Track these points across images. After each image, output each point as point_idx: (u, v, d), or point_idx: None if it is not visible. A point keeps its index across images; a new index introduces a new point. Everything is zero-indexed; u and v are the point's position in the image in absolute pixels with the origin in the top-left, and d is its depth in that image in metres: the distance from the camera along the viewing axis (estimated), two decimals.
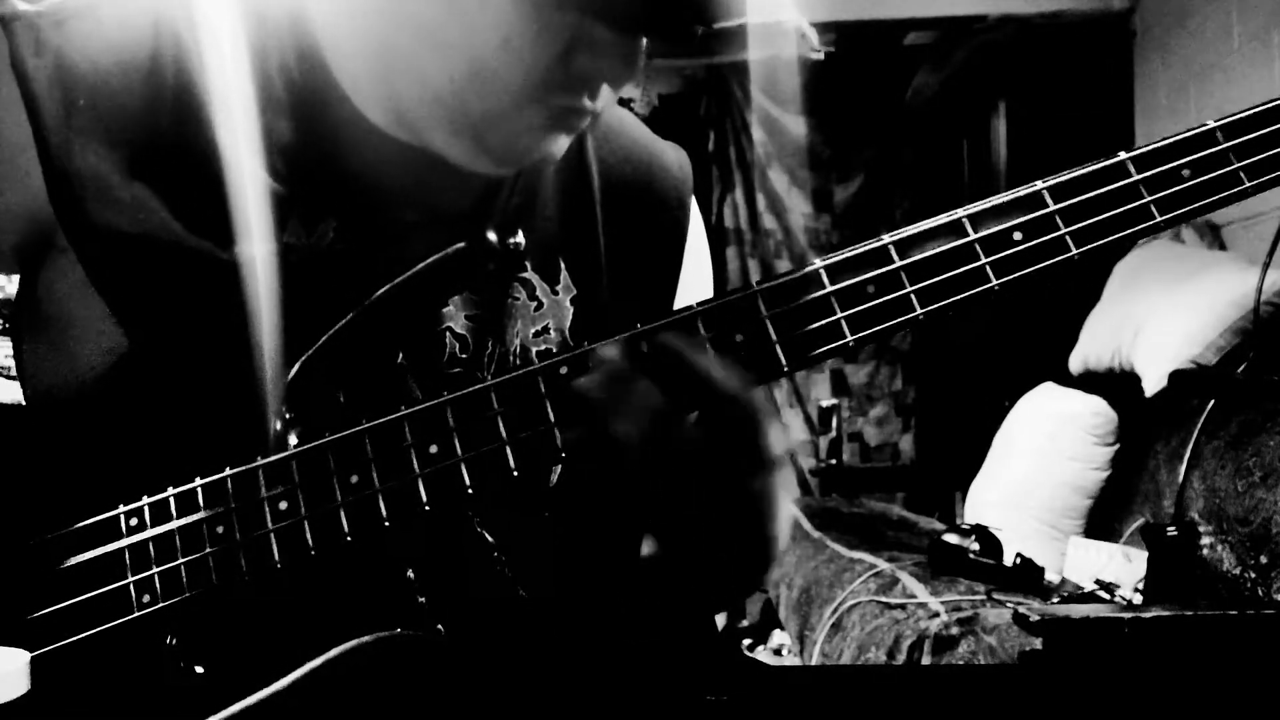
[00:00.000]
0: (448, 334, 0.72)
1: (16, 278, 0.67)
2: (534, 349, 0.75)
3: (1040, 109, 3.48)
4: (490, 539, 0.72)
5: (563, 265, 0.77)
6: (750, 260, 4.52)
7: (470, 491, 0.60)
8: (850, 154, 4.50)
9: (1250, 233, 2.67)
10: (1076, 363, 2.80)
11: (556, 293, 0.76)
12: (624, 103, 4.44)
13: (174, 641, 0.61)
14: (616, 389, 0.58)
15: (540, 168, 0.77)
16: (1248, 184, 0.59)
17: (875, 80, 4.34)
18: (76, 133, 0.65)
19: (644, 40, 0.62)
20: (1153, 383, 2.34)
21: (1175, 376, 2.06)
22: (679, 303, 0.83)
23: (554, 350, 0.75)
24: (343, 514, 0.60)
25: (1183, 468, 2.07)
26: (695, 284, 0.85)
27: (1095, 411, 2.52)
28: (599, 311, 0.77)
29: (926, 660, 1.72)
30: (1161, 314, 2.39)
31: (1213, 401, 2.09)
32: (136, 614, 0.61)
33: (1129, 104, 3.37)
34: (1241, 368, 2.12)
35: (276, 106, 0.69)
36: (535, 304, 0.75)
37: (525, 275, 0.75)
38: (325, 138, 0.70)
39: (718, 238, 4.50)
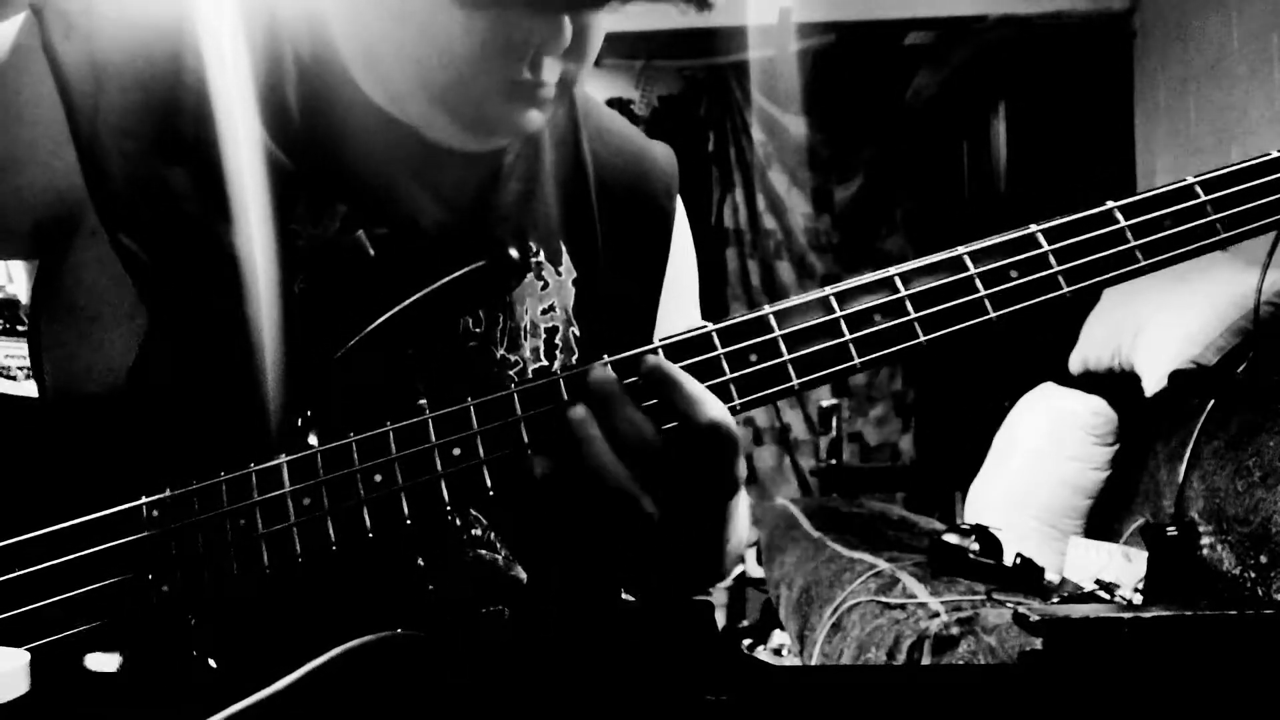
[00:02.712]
0: None
1: (20, 269, 0.67)
2: (542, 325, 0.79)
3: (1040, 109, 3.48)
4: (484, 521, 0.74)
5: (564, 249, 0.81)
6: (750, 261, 4.52)
7: (491, 493, 0.62)
8: (850, 154, 4.50)
9: None
10: (1076, 363, 2.80)
11: (560, 274, 0.80)
12: (624, 104, 4.45)
13: (194, 622, 0.61)
14: (606, 417, 0.60)
15: (538, 151, 0.81)
16: (1224, 234, 0.65)
17: (875, 80, 4.34)
18: (106, 115, 0.67)
19: (564, 15, 0.66)
20: (1153, 383, 2.33)
21: (1175, 376, 2.06)
22: (665, 286, 0.88)
23: (559, 327, 0.79)
24: (366, 511, 0.61)
25: (1183, 468, 2.07)
26: (681, 270, 0.91)
27: (1095, 411, 2.52)
28: (598, 291, 0.82)
29: (926, 660, 1.72)
30: (1161, 314, 2.40)
31: (1213, 401, 2.09)
32: (155, 602, 0.61)
33: (1129, 105, 3.37)
34: (1241, 368, 2.12)
35: (290, 90, 0.72)
36: (542, 284, 0.79)
37: (536, 266, 0.80)
38: (334, 120, 0.73)
39: (718, 238, 4.50)
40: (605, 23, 0.70)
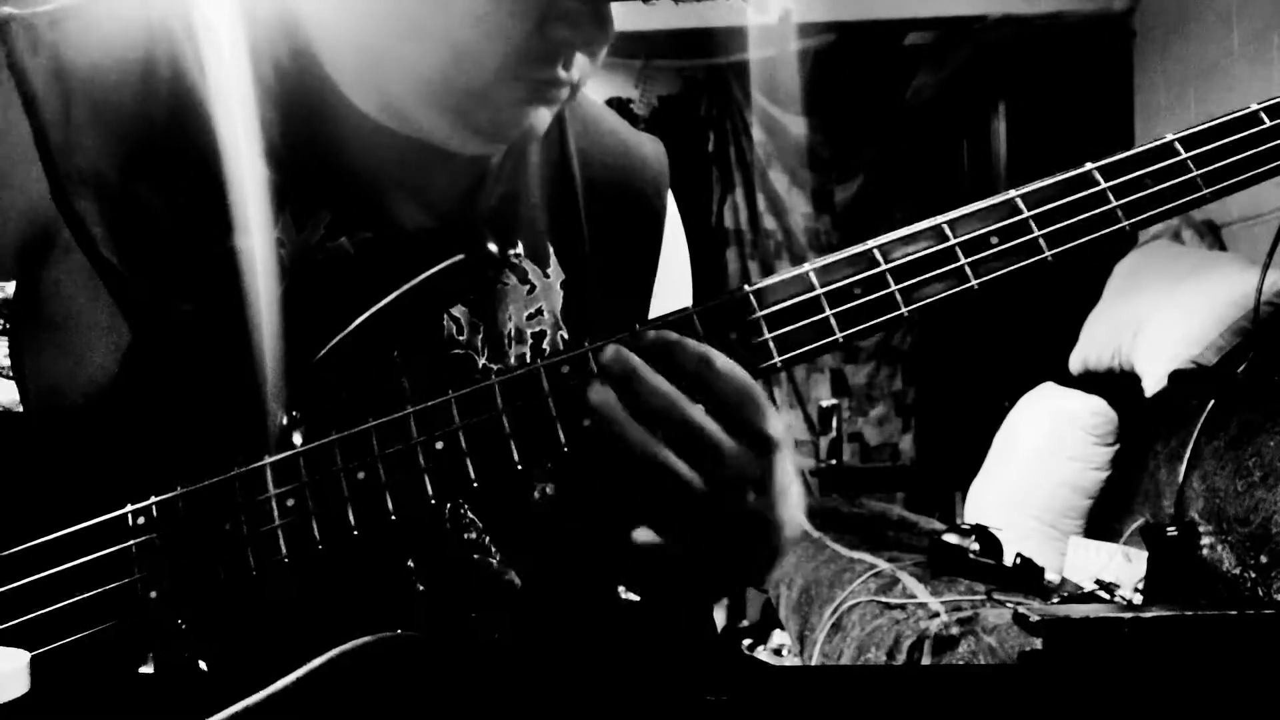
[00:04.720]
0: (446, 315, 0.74)
1: (12, 284, 0.67)
2: (528, 330, 0.77)
3: (1040, 109, 3.48)
4: (480, 524, 0.73)
5: (551, 250, 0.79)
6: (750, 261, 4.52)
7: (475, 485, 0.61)
8: (850, 154, 4.50)
9: (1250, 233, 2.67)
10: (1076, 363, 2.80)
11: (547, 276, 0.79)
12: (623, 103, 4.45)
13: (184, 626, 0.61)
14: (625, 392, 0.59)
15: (524, 149, 0.80)
16: (1205, 190, 0.65)
17: (875, 80, 4.34)
18: (75, 129, 0.66)
19: (612, 3, 0.64)
20: (1153, 383, 2.34)
21: (1175, 376, 2.06)
22: (657, 287, 0.86)
23: (547, 332, 0.78)
24: (350, 509, 0.61)
25: (1183, 468, 2.07)
26: (674, 270, 0.88)
27: (1095, 411, 2.52)
28: (586, 294, 0.80)
29: (926, 660, 1.72)
30: (1161, 314, 2.40)
31: (1213, 401, 2.09)
32: (145, 609, 0.61)
33: (1129, 104, 3.38)
34: (1241, 368, 2.12)
35: (270, 97, 0.71)
36: (527, 288, 0.77)
37: (517, 261, 0.78)
38: (317, 127, 0.71)
39: (718, 238, 4.50)
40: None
